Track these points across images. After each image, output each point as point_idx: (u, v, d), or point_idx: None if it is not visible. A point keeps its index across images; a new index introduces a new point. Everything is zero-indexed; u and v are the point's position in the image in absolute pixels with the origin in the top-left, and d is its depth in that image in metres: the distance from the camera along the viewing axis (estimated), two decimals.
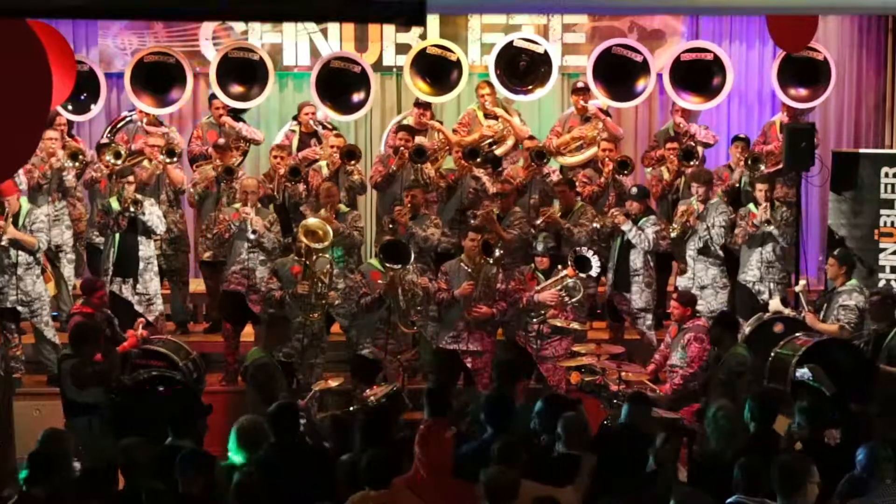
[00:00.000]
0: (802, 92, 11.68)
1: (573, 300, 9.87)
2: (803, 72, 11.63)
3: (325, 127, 11.55)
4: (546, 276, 9.97)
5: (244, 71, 11.47)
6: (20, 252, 10.14)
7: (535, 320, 9.86)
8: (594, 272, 9.87)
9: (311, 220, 9.93)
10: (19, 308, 10.19)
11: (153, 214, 10.40)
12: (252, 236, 10.23)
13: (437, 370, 9.94)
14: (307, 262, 9.72)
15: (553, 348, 9.92)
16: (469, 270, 9.83)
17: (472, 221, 10.61)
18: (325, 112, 11.52)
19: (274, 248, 10.36)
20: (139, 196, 10.37)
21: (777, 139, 11.54)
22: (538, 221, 10.62)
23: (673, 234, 10.61)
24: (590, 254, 9.85)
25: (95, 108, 11.62)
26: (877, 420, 7.89)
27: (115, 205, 10.36)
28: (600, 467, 6.48)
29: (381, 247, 9.91)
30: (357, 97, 11.50)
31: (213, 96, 11.61)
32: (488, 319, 9.89)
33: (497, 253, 9.78)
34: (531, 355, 9.86)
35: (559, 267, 9.99)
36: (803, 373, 8.68)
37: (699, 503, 5.77)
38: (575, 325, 9.95)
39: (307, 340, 9.73)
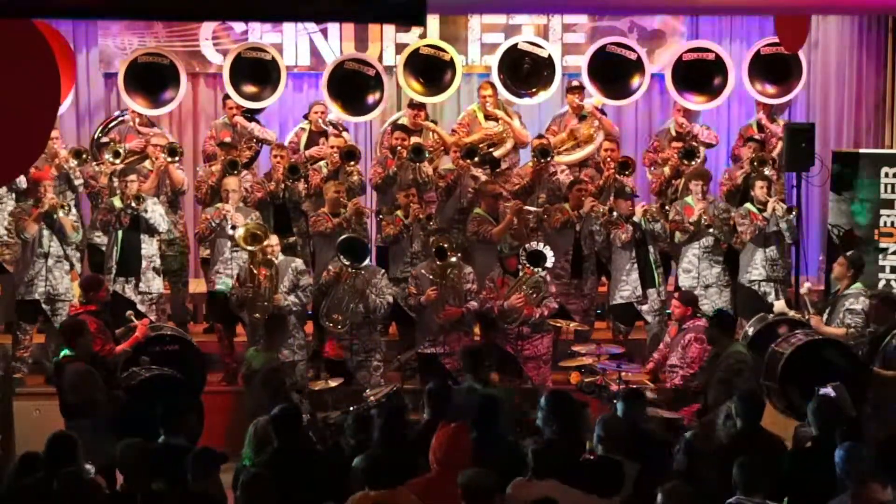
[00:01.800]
0: (771, 88, 11.71)
1: (542, 294, 9.87)
2: (774, 68, 11.66)
3: (335, 127, 11.50)
4: (516, 276, 9.98)
5: (257, 71, 11.49)
6: (52, 243, 10.18)
7: (513, 325, 9.87)
8: (549, 263, 9.87)
9: (251, 224, 9.92)
10: (43, 304, 10.21)
11: (156, 212, 10.41)
12: (231, 231, 10.24)
13: (420, 375, 9.97)
14: (250, 266, 9.69)
15: (535, 348, 9.94)
16: (431, 277, 9.87)
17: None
18: (337, 114, 11.50)
19: None
20: (141, 193, 10.38)
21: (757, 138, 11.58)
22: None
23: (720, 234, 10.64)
24: (541, 246, 9.86)
25: (63, 106, 11.57)
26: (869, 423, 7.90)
27: (117, 202, 10.38)
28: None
29: (341, 241, 9.88)
30: (371, 99, 11.49)
31: (226, 96, 11.61)
32: (461, 320, 9.91)
33: (453, 259, 9.80)
34: (515, 357, 9.84)
35: (520, 265, 10.01)
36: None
37: (686, 496, 5.72)
38: (574, 325, 9.96)
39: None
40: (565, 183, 11.11)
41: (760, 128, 11.69)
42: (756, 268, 10.58)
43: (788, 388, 9.00)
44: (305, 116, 11.62)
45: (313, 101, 11.66)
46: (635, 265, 10.61)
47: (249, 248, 9.65)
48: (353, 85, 11.49)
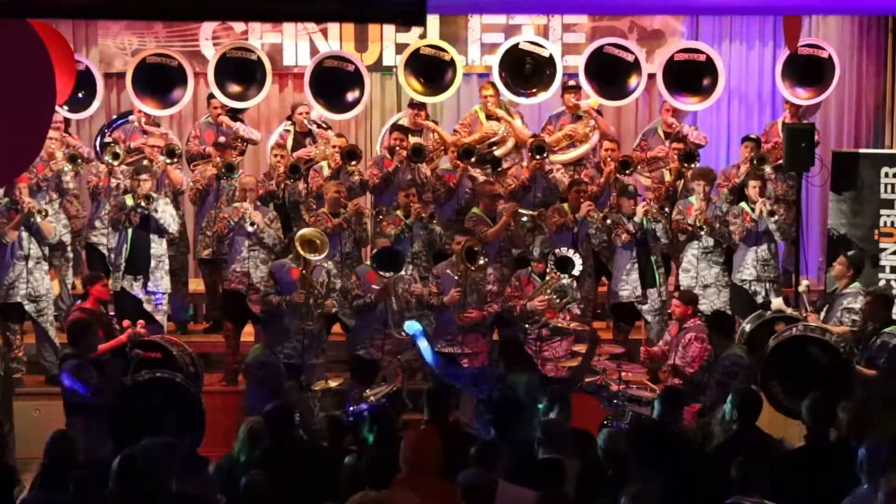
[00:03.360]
0: (806, 92, 11.69)
1: (566, 299, 9.87)
2: (807, 70, 11.65)
3: (319, 126, 11.55)
4: (543, 279, 9.97)
5: (242, 71, 11.49)
6: (31, 245, 10.19)
7: (534, 326, 9.86)
8: (577, 271, 9.87)
9: (308, 230, 9.85)
10: (26, 305, 10.24)
11: (167, 213, 10.44)
12: (250, 228, 10.24)
13: (435, 374, 9.94)
14: (304, 272, 9.68)
15: (553, 350, 9.92)
16: (455, 277, 9.85)
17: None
18: (319, 111, 11.53)
19: (275, 244, 10.37)
20: (153, 193, 10.41)
21: (778, 137, 11.55)
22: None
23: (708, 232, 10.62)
24: (570, 253, 9.86)
25: (93, 106, 11.63)
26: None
27: (129, 201, 10.39)
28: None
29: (375, 254, 9.90)
30: (351, 96, 11.51)
31: (211, 96, 11.62)
32: (480, 322, 9.91)
33: (482, 261, 9.78)
34: (529, 355, 9.84)
35: (548, 270, 10.00)
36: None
37: (653, 496, 5.70)
38: (574, 325, 9.97)
39: (307, 341, 9.72)
40: (561, 181, 11.11)
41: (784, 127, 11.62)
42: (747, 267, 10.59)
43: (769, 382, 9.04)
44: (289, 118, 11.63)
45: (296, 103, 11.68)
46: (636, 265, 10.61)
47: (308, 256, 9.55)
48: (333, 82, 11.49)
